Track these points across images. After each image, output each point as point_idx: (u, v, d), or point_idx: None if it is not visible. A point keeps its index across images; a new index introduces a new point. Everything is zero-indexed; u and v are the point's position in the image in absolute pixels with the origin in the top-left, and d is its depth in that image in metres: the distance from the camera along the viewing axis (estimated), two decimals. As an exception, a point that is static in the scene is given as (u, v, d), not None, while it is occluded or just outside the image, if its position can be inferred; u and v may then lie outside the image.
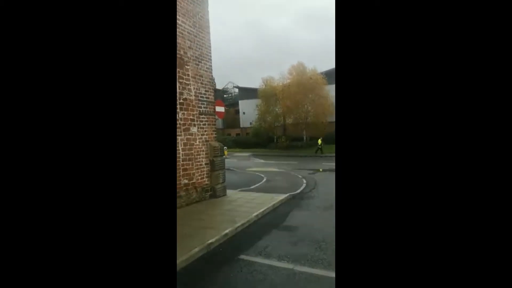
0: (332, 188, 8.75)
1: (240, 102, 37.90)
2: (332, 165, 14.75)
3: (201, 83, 6.76)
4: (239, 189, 8.16)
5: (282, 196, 6.89)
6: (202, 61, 6.84)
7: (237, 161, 18.78)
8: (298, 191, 8.02)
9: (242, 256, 3.67)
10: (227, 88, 44.77)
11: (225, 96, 43.69)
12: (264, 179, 10.31)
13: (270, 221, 5.22)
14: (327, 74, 26.35)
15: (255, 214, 5.36)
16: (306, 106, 26.05)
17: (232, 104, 41.96)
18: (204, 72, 6.88)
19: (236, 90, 41.77)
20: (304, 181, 9.83)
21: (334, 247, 3.81)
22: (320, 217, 5.38)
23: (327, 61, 77.85)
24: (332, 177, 11.34)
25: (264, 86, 28.92)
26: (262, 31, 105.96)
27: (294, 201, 6.83)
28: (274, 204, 6.17)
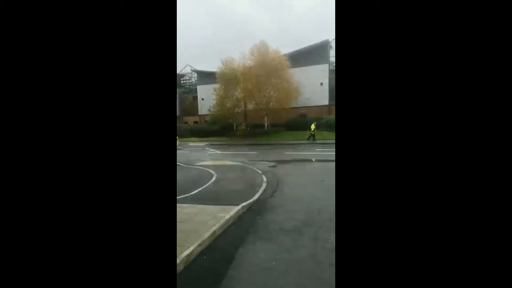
0: (302, 189, 6.46)
1: (198, 87, 34.73)
2: (296, 154, 12.70)
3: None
4: (170, 199, 5.64)
5: (230, 212, 4.52)
6: None
7: (189, 152, 16.09)
8: (255, 197, 5.71)
9: None
10: (184, 73, 40.68)
11: (182, 81, 40.05)
12: (214, 178, 7.87)
13: (197, 281, 2.81)
14: (290, 56, 24.28)
15: (171, 263, 2.91)
16: (268, 90, 23.82)
17: (190, 90, 38.61)
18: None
19: (195, 75, 38.13)
20: (264, 178, 7.60)
21: None
22: (288, 258, 3.10)
23: (289, 45, 76.96)
24: (298, 170, 9.25)
25: (223, 68, 26.09)
26: (219, 13, 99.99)
27: (248, 219, 4.49)
28: (214, 232, 3.77)
